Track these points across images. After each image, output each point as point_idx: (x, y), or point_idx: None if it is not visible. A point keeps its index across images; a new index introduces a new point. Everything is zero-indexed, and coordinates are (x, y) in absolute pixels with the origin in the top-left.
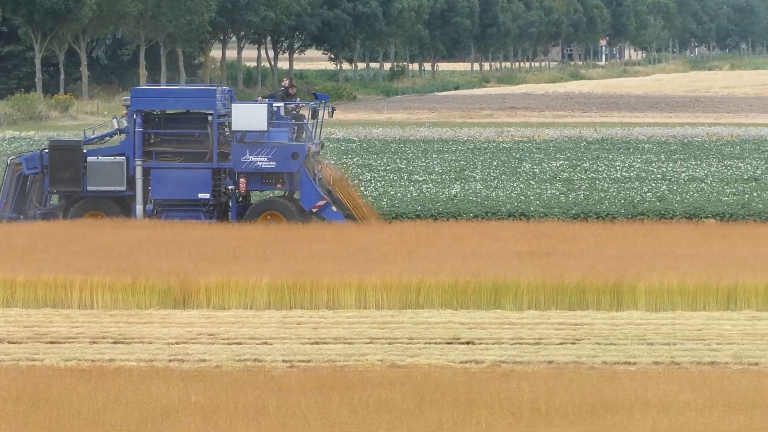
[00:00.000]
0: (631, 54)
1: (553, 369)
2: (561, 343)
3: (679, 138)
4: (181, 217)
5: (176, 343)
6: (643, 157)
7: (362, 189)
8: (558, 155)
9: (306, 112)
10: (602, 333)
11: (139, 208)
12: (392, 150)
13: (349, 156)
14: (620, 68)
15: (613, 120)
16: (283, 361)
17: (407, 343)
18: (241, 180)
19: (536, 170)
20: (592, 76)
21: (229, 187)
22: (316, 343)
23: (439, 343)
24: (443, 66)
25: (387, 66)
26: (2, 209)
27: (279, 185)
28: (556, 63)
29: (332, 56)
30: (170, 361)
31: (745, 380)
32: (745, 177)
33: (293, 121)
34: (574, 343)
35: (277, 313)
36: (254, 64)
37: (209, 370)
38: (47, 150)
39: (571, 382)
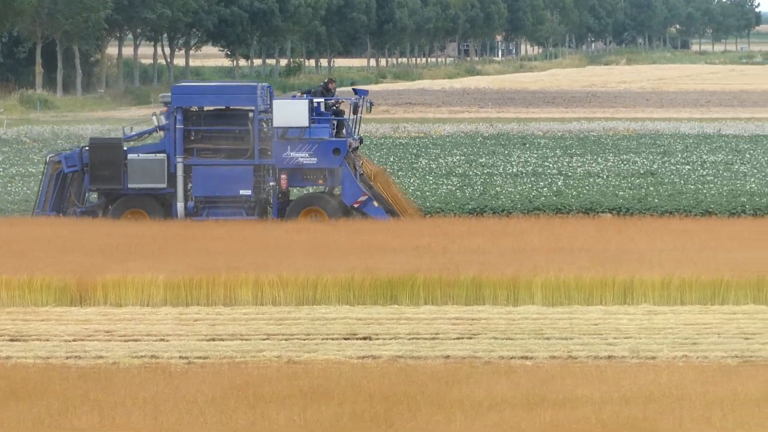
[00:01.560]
0: (528, 49)
1: (451, 364)
2: (458, 338)
3: (575, 133)
4: (222, 215)
5: (73, 341)
6: (539, 152)
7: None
8: (454, 150)
9: (346, 108)
10: (499, 328)
11: (180, 205)
12: None
13: None
14: (517, 64)
15: (509, 115)
16: (180, 357)
17: (304, 339)
18: (283, 176)
19: (433, 165)
20: (488, 72)
21: (271, 184)
22: (213, 340)
23: (336, 339)
24: (340, 62)
25: (283, 62)
26: (41, 208)
27: (320, 181)
28: (453, 59)
29: (228, 53)
30: (67, 358)
31: (642, 374)
32: (642, 171)
33: (333, 116)
34: (470, 338)
35: (174, 309)
36: (150, 61)
37: (106, 366)
38: (87, 147)
39: (468, 377)
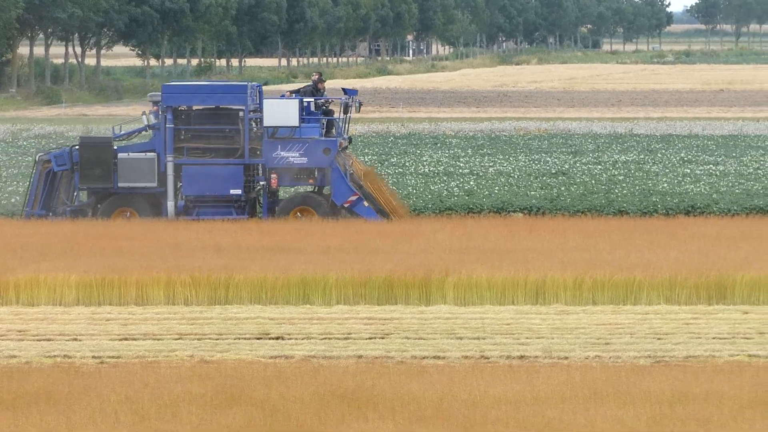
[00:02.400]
0: (439, 49)
1: (363, 363)
2: (370, 338)
3: (487, 132)
4: (213, 214)
5: None
6: (451, 151)
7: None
8: (366, 150)
9: (336, 107)
10: (411, 327)
11: (170, 204)
12: None
13: None
14: (428, 63)
15: (421, 115)
16: (93, 357)
17: (216, 339)
18: (273, 175)
19: None
20: (399, 72)
21: (261, 183)
22: (125, 339)
23: (249, 339)
24: (251, 62)
25: (194, 62)
26: (30, 206)
27: (311, 181)
28: (364, 58)
29: (140, 52)
30: None
31: (555, 374)
32: (553, 171)
33: (323, 116)
34: (383, 338)
35: (86, 309)
36: (62, 60)
37: (19, 366)
38: (77, 147)
39: (380, 377)
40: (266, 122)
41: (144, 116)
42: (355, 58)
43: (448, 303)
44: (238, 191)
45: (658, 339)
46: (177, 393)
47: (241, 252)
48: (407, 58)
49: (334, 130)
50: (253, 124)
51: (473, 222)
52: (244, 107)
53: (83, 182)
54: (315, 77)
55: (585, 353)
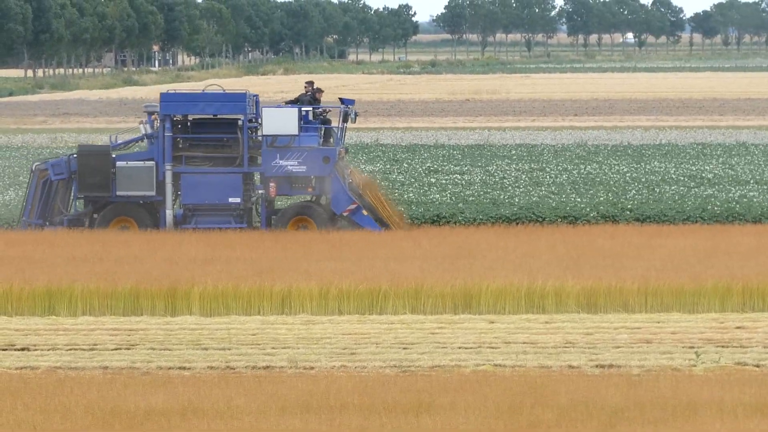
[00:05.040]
0: (185, 59)
1: (109, 374)
2: (116, 349)
3: None
4: (211, 223)
5: None
6: None
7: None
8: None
9: (335, 117)
10: (157, 338)
11: (168, 213)
12: None
13: None
14: (174, 74)
15: None
16: None
17: None
18: (271, 184)
19: None
20: (146, 82)
21: (259, 192)
22: None
23: None
24: None
25: None
26: (27, 216)
27: (309, 189)
28: (110, 69)
29: None
30: None
31: (301, 384)
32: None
33: (321, 125)
34: (129, 349)
35: None
36: None
37: None
38: (75, 155)
39: (125, 388)
40: (265, 130)
41: (141, 126)
42: (101, 69)
43: (194, 313)
44: (237, 200)
45: (404, 349)
46: None
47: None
48: (153, 68)
49: (332, 140)
50: (252, 133)
51: (218, 232)
52: (243, 116)
53: (81, 191)
54: (309, 89)
55: (331, 363)
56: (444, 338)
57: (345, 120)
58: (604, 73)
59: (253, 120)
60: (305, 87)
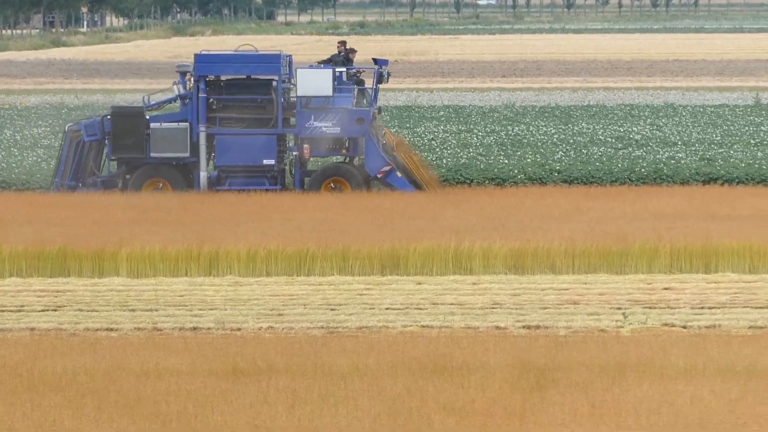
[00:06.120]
0: (113, 21)
1: (36, 336)
2: (43, 310)
3: None
4: (245, 184)
5: None
6: None
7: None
8: (39, 122)
9: (369, 77)
10: (84, 300)
11: (202, 174)
12: None
13: None
14: (102, 35)
15: (95, 86)
16: None
17: None
18: (305, 146)
19: (18, 137)
20: (74, 43)
21: (293, 153)
22: None
23: None
24: None
25: None
26: (60, 177)
27: (343, 151)
28: (39, 30)
29: None
30: None
31: (228, 346)
32: None
33: (355, 85)
34: (56, 310)
35: None
36: None
37: None
38: (109, 116)
39: (53, 349)
40: (300, 92)
41: (175, 86)
42: (29, 30)
43: (121, 275)
44: (272, 161)
45: (332, 310)
46: None
47: None
48: (82, 29)
49: (365, 100)
50: (286, 93)
51: (147, 195)
52: (277, 77)
53: (115, 152)
54: (341, 48)
55: (258, 324)
56: (371, 299)
57: (379, 81)
58: (533, 35)
59: (287, 81)
60: (338, 47)
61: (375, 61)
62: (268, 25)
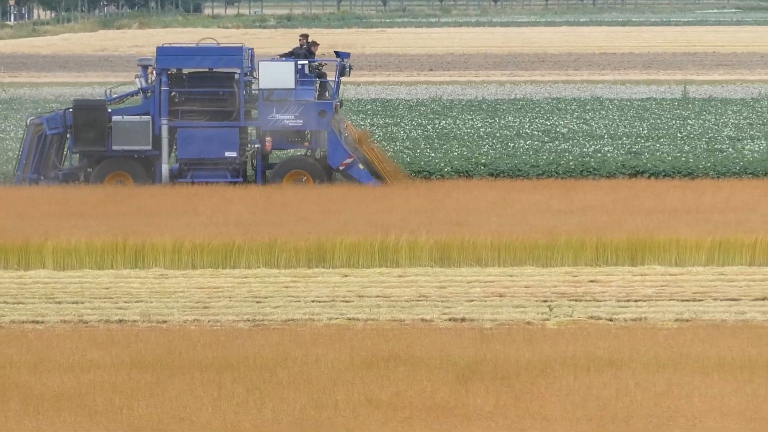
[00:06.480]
0: (41, 14)
1: None
2: None
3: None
4: (207, 177)
5: None
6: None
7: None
8: None
9: (331, 70)
10: (10, 292)
11: (164, 167)
12: None
13: None
14: (30, 28)
15: (22, 80)
16: None
17: None
18: (267, 138)
19: None
20: (1, 36)
21: (256, 146)
22: None
23: None
24: None
25: None
26: (22, 170)
27: (306, 143)
28: None
29: None
30: None
31: (154, 338)
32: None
33: (317, 78)
34: None
35: None
36: None
37: None
38: (71, 110)
39: None
40: (262, 84)
41: (137, 79)
42: None
43: (47, 267)
44: (234, 154)
45: (258, 302)
46: None
47: None
48: (9, 22)
49: (327, 93)
50: (247, 86)
51: (72, 188)
52: (239, 69)
53: (77, 145)
54: (304, 41)
55: (184, 317)
56: (297, 292)
57: (341, 73)
58: (460, 28)
59: (249, 74)
60: (300, 40)
61: (337, 53)
62: (194, 17)
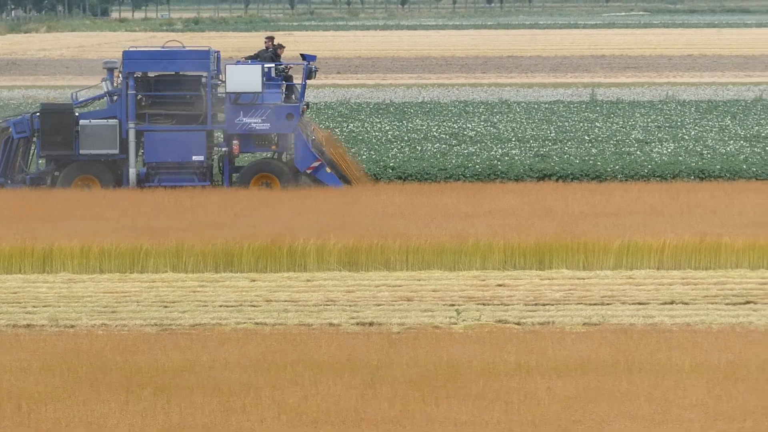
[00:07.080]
0: None
1: None
2: None
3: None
4: (175, 181)
5: None
6: None
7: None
8: None
9: (298, 73)
10: None
11: (132, 171)
12: None
13: None
14: None
15: None
16: None
17: None
18: (234, 142)
19: None
20: None
21: (222, 149)
22: None
23: None
24: None
25: None
26: None
27: (273, 147)
28: None
29: None
30: None
31: (62, 343)
32: None
33: (284, 81)
34: None
35: None
36: None
37: None
38: (38, 113)
39: None
40: (229, 88)
41: (103, 83)
42: None
43: None
44: (201, 157)
45: (165, 307)
46: None
47: None
48: None
49: (294, 96)
50: (214, 89)
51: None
52: (206, 73)
53: (44, 149)
54: (269, 44)
55: (92, 321)
56: (205, 296)
57: (308, 76)
58: (367, 31)
59: (216, 77)
60: (265, 42)
61: (303, 56)
62: (102, 21)
